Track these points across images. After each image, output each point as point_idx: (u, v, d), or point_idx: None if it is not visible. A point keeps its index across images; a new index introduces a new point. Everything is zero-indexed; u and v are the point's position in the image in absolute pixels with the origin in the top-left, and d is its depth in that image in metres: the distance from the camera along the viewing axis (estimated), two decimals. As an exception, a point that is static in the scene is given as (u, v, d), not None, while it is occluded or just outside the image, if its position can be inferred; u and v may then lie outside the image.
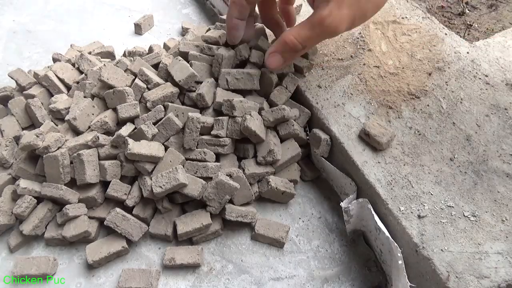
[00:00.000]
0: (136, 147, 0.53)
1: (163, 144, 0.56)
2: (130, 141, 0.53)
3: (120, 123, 0.57)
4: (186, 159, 0.55)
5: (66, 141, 0.56)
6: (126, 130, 0.54)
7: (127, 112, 0.56)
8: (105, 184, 0.55)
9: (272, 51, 0.54)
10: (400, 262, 0.45)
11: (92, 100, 0.61)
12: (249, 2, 0.54)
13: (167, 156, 0.54)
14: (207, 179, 0.54)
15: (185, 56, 0.63)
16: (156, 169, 0.54)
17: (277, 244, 0.55)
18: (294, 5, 0.71)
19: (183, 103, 0.60)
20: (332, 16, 0.49)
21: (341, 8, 0.48)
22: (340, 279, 0.52)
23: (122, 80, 0.60)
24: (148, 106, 0.59)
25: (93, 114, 0.59)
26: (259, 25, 0.70)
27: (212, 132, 0.56)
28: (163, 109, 0.58)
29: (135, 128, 0.55)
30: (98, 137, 0.54)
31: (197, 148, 0.56)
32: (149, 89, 0.61)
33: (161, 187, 0.51)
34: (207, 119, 0.56)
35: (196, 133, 0.54)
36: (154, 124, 0.56)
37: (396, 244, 0.46)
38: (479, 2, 1.14)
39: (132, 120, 0.57)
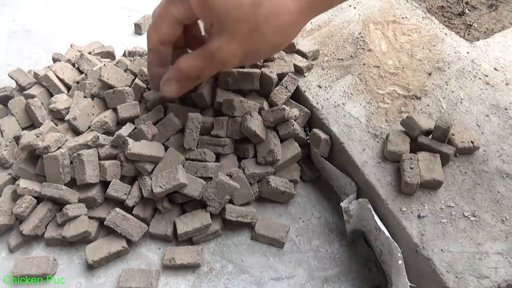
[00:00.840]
0: (136, 147, 0.53)
1: (163, 144, 0.56)
2: (130, 141, 0.53)
3: (120, 123, 0.57)
4: (186, 159, 0.55)
5: (66, 141, 0.56)
6: (126, 130, 0.54)
7: (127, 112, 0.56)
8: (105, 184, 0.55)
9: (168, 78, 0.49)
10: (400, 262, 0.45)
11: (92, 100, 0.61)
12: (163, 43, 0.49)
13: (167, 156, 0.54)
14: (207, 179, 0.54)
15: None
16: (156, 169, 0.54)
17: (277, 244, 0.55)
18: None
19: (183, 103, 0.60)
20: (223, 50, 0.45)
21: (231, 42, 0.45)
22: (340, 279, 0.52)
23: (122, 80, 0.60)
24: (148, 106, 0.59)
25: (93, 114, 0.59)
26: None
27: (212, 132, 0.56)
28: (163, 109, 0.58)
29: (135, 128, 0.55)
30: (98, 137, 0.54)
31: (197, 148, 0.56)
32: (149, 89, 0.61)
33: (161, 187, 0.51)
34: (207, 119, 0.56)
35: (196, 133, 0.54)
36: (154, 124, 0.56)
37: (396, 244, 0.46)
38: (479, 2, 1.14)
39: (132, 120, 0.57)
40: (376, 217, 0.49)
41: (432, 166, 0.49)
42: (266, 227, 0.54)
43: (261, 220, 0.55)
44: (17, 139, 0.61)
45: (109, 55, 0.76)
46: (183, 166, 0.54)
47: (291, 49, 0.64)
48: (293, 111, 0.58)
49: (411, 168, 0.48)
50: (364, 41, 0.66)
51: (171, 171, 0.51)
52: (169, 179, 0.51)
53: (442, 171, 0.49)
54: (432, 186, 0.49)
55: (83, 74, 0.67)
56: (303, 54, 0.63)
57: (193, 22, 0.50)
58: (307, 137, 0.60)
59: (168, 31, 0.48)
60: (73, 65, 0.69)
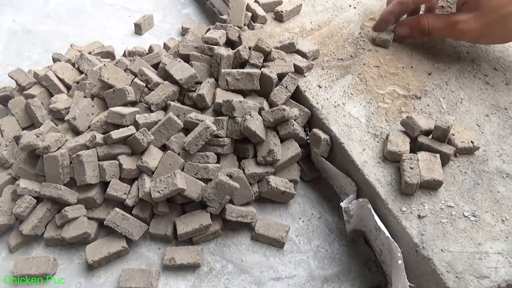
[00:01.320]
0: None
1: (164, 143, 0.56)
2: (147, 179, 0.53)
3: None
4: (187, 161, 0.55)
5: (66, 141, 0.56)
6: (119, 132, 0.54)
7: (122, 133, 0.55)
8: (103, 185, 0.55)
9: (405, 23, 0.64)
10: (400, 262, 0.45)
11: (92, 100, 0.61)
12: (415, 2, 0.62)
13: (167, 159, 0.54)
14: (208, 180, 0.54)
15: (184, 58, 0.63)
16: (155, 172, 0.54)
17: (277, 244, 0.55)
18: (294, 5, 0.71)
19: (183, 103, 0.60)
20: (466, 23, 0.57)
21: (476, 21, 0.57)
22: (340, 279, 0.52)
23: (122, 80, 0.60)
24: (153, 109, 0.59)
25: (92, 114, 0.59)
26: (257, 25, 0.70)
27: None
28: (163, 113, 0.58)
29: (131, 134, 0.55)
30: (95, 137, 0.54)
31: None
32: (148, 88, 0.61)
33: (159, 192, 0.51)
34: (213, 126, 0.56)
35: (204, 141, 0.54)
36: (155, 123, 0.56)
37: (396, 244, 0.46)
38: (479, 2, 1.14)
39: (126, 138, 0.55)
40: (376, 217, 0.49)
41: (432, 166, 0.49)
42: (266, 227, 0.54)
43: (261, 220, 0.55)
44: (17, 139, 0.61)
45: (109, 55, 0.76)
46: (183, 167, 0.54)
47: (292, 49, 0.64)
48: (293, 111, 0.58)
49: (411, 168, 0.48)
50: (364, 41, 0.66)
51: (170, 176, 0.51)
52: (167, 184, 0.51)
53: (442, 171, 0.49)
54: (432, 186, 0.49)
55: (83, 74, 0.67)
56: (303, 54, 0.63)
57: None
58: (307, 137, 0.59)
59: None
60: (73, 65, 0.69)
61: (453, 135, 0.52)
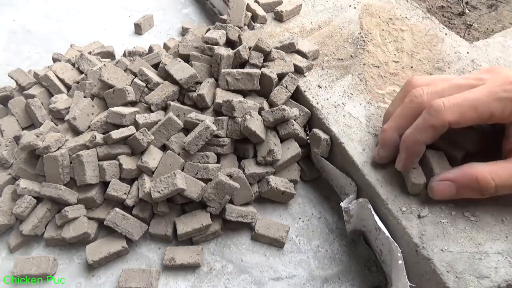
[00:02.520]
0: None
1: (164, 143, 0.56)
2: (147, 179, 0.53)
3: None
4: (187, 161, 0.55)
5: (66, 141, 0.56)
6: (119, 132, 0.54)
7: (122, 133, 0.55)
8: (103, 185, 0.55)
9: (448, 178, 0.44)
10: (400, 262, 0.45)
11: (92, 100, 0.61)
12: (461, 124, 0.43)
13: (167, 159, 0.54)
14: (208, 180, 0.54)
15: (184, 58, 0.63)
16: (155, 172, 0.54)
17: (277, 244, 0.55)
18: (294, 5, 0.71)
19: (182, 103, 0.60)
20: None
21: None
22: (340, 279, 0.52)
23: (122, 80, 0.60)
24: (153, 109, 0.59)
25: (92, 114, 0.59)
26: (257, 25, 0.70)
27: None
28: (163, 113, 0.58)
29: (131, 134, 0.55)
30: (95, 137, 0.54)
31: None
32: (148, 88, 0.61)
33: (159, 192, 0.51)
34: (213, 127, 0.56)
35: (204, 141, 0.54)
36: (155, 123, 0.56)
37: (396, 244, 0.46)
38: (479, 2, 1.14)
39: (126, 138, 0.55)
40: (376, 217, 0.49)
41: (443, 163, 0.48)
42: (266, 227, 0.55)
43: (261, 220, 0.55)
44: (17, 139, 0.61)
45: (109, 55, 0.76)
46: (183, 167, 0.54)
47: (292, 49, 0.64)
48: (293, 111, 0.58)
49: (413, 168, 0.48)
50: (364, 41, 0.66)
51: (170, 176, 0.51)
52: (167, 184, 0.51)
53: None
54: None
55: (83, 74, 0.67)
56: (303, 54, 0.63)
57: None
58: (307, 137, 0.60)
59: (472, 120, 0.42)
60: (73, 65, 0.70)
61: None
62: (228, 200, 0.54)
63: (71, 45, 0.78)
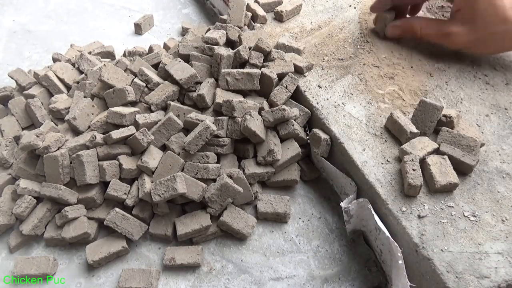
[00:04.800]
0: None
1: (164, 143, 0.56)
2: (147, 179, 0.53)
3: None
4: (187, 161, 0.55)
5: (66, 141, 0.56)
6: (119, 132, 0.54)
7: (122, 133, 0.55)
8: (103, 185, 0.55)
9: (397, 25, 0.64)
10: (400, 262, 0.45)
11: (92, 100, 0.61)
12: None
13: (167, 159, 0.54)
14: (207, 180, 0.54)
15: (184, 58, 0.63)
16: (155, 173, 0.54)
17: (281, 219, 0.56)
18: (294, 5, 0.71)
19: (182, 103, 0.60)
20: (459, 36, 0.59)
21: (469, 34, 0.58)
22: (340, 279, 0.52)
23: (122, 80, 0.60)
24: (153, 109, 0.59)
25: (92, 114, 0.59)
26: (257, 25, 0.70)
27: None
28: (163, 113, 0.58)
29: (131, 135, 0.55)
30: (95, 137, 0.54)
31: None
32: (148, 88, 0.61)
33: (159, 195, 0.51)
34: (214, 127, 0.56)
35: (204, 141, 0.54)
36: (155, 123, 0.56)
37: (396, 244, 0.46)
38: (479, 2, 1.14)
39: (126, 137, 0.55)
40: (376, 217, 0.49)
41: (445, 169, 0.48)
42: (269, 204, 0.56)
43: (264, 197, 0.56)
44: (17, 139, 0.61)
45: (109, 55, 0.76)
46: (184, 167, 0.54)
47: (291, 49, 0.64)
48: (293, 111, 0.58)
49: (413, 170, 0.48)
50: (364, 41, 0.66)
51: (170, 179, 0.51)
52: (167, 188, 0.51)
53: (455, 172, 0.48)
54: (448, 189, 0.48)
55: (83, 74, 0.67)
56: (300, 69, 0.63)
57: None
58: (307, 137, 0.59)
59: None
60: (73, 65, 0.69)
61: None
62: (230, 202, 0.54)
63: (71, 45, 0.78)
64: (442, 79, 0.61)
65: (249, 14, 0.70)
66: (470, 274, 0.42)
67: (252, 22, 0.70)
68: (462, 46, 0.61)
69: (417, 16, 0.65)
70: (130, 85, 0.60)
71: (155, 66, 0.65)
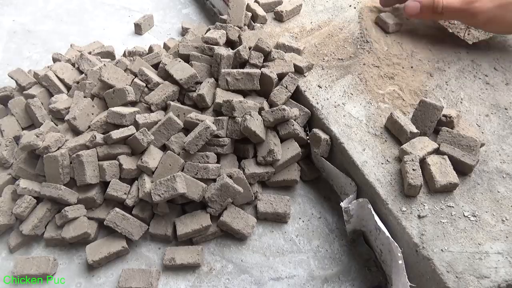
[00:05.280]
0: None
1: (164, 143, 0.56)
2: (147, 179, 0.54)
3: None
4: (188, 161, 0.55)
5: (66, 141, 0.56)
6: (119, 132, 0.54)
7: (122, 133, 0.55)
8: (103, 185, 0.55)
9: (417, 1, 0.61)
10: (400, 262, 0.45)
11: (92, 100, 0.61)
12: None
13: (167, 159, 0.54)
14: (208, 180, 0.54)
15: (184, 58, 0.63)
16: (155, 173, 0.54)
17: (282, 219, 0.56)
18: (294, 5, 0.71)
19: (182, 103, 0.60)
20: (481, 3, 0.58)
21: (492, 2, 0.58)
22: (340, 279, 0.52)
23: (122, 80, 0.60)
24: (153, 109, 0.59)
25: (92, 114, 0.59)
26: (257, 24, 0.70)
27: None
28: (163, 113, 0.58)
29: (131, 134, 0.55)
30: (95, 137, 0.54)
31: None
32: (148, 88, 0.61)
33: (160, 195, 0.51)
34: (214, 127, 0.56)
35: (204, 141, 0.54)
36: (155, 123, 0.56)
37: (396, 244, 0.46)
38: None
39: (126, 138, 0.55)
40: (376, 217, 0.49)
41: (445, 169, 0.48)
42: (269, 203, 0.56)
43: (264, 197, 0.56)
44: (17, 139, 0.61)
45: (109, 55, 0.76)
46: (183, 167, 0.54)
47: (291, 49, 0.64)
48: (293, 111, 0.58)
49: (413, 170, 0.48)
50: (364, 41, 0.66)
51: (170, 179, 0.51)
52: (167, 188, 0.51)
53: (455, 172, 0.49)
54: (448, 189, 0.48)
55: (83, 74, 0.67)
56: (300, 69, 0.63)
57: None
58: (307, 137, 0.59)
59: None
60: (73, 65, 0.69)
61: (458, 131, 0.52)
62: (230, 202, 0.54)
63: (71, 45, 0.78)
64: (442, 79, 0.61)
65: (249, 14, 0.70)
66: (470, 274, 0.42)
67: (252, 22, 0.70)
68: (484, 18, 0.59)
69: None
70: (130, 85, 0.60)
71: (155, 66, 0.65)
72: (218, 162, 0.56)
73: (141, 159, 0.54)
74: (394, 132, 0.54)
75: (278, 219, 0.56)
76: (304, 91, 0.60)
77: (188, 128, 0.57)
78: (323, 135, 0.56)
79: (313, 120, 0.60)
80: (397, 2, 0.64)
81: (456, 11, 0.60)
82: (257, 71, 0.58)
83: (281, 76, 0.60)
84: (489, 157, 0.52)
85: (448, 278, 0.42)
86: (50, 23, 0.87)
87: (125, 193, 0.54)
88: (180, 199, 0.54)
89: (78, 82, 0.66)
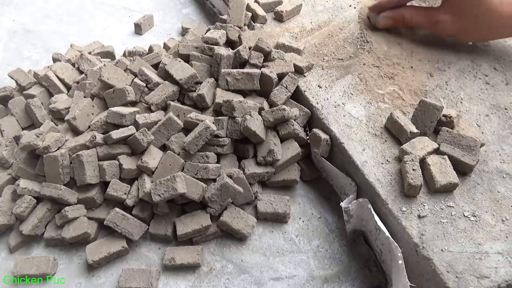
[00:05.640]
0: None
1: (164, 143, 0.56)
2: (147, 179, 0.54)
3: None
4: (188, 161, 0.55)
5: (66, 141, 0.56)
6: (120, 132, 0.54)
7: (122, 133, 0.55)
8: (103, 185, 0.55)
9: (388, 15, 0.66)
10: (400, 262, 0.45)
11: (92, 100, 0.61)
12: None
13: (167, 159, 0.54)
14: (208, 180, 0.54)
15: (184, 58, 0.63)
16: (155, 173, 0.54)
17: (282, 219, 0.56)
18: (294, 5, 0.71)
19: (182, 103, 0.60)
20: (447, 24, 0.61)
21: (457, 23, 0.61)
22: (340, 279, 0.52)
23: (122, 80, 0.60)
24: (153, 109, 0.59)
25: (92, 114, 0.59)
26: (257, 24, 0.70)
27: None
28: (163, 113, 0.58)
29: (131, 134, 0.55)
30: (95, 137, 0.54)
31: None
32: (148, 88, 0.61)
33: (159, 195, 0.51)
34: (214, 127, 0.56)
35: (204, 141, 0.54)
36: (155, 123, 0.56)
37: (396, 244, 0.46)
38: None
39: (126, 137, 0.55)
40: (376, 217, 0.49)
41: (445, 169, 0.48)
42: (269, 203, 0.56)
43: (264, 198, 0.56)
44: (17, 139, 0.61)
45: (109, 55, 0.76)
46: (183, 167, 0.54)
47: (291, 49, 0.64)
48: (293, 111, 0.58)
49: (413, 170, 0.48)
50: (364, 41, 0.66)
51: (170, 179, 0.51)
52: (167, 188, 0.51)
53: (455, 172, 0.49)
54: (448, 189, 0.48)
55: (83, 74, 0.67)
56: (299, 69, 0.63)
57: None
58: (307, 137, 0.59)
59: None
60: (73, 65, 0.69)
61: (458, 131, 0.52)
62: (230, 202, 0.54)
63: (71, 45, 0.78)
64: (442, 79, 0.61)
65: (249, 14, 0.70)
66: (470, 274, 0.42)
67: (252, 22, 0.70)
68: (450, 34, 0.63)
69: (407, 6, 0.66)
70: (130, 85, 0.60)
71: (155, 66, 0.65)
72: (218, 162, 0.56)
73: (141, 159, 0.54)
74: (394, 132, 0.54)
75: (278, 219, 0.56)
76: (304, 91, 0.60)
77: (188, 128, 0.57)
78: (323, 135, 0.56)
79: (313, 120, 0.60)
80: (388, 8, 0.67)
81: (423, 27, 0.66)
82: (257, 71, 0.58)
83: (281, 76, 0.60)
84: (489, 157, 0.52)
85: (448, 278, 0.42)
86: (50, 23, 0.87)
87: (125, 193, 0.54)
88: (180, 199, 0.54)
89: (78, 82, 0.66)
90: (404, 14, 0.64)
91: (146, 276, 0.50)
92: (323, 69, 0.63)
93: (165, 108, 0.60)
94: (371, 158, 0.52)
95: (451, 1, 0.61)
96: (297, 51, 0.64)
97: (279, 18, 0.71)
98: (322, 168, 0.60)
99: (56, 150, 0.54)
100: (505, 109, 0.58)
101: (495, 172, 0.51)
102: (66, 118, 0.57)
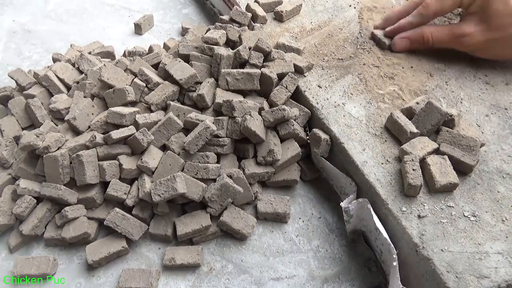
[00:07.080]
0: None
1: (164, 143, 0.56)
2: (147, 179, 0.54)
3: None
4: (187, 161, 0.55)
5: (66, 141, 0.56)
6: (120, 132, 0.54)
7: (122, 133, 0.55)
8: (103, 185, 0.55)
9: (405, 36, 0.62)
10: (394, 263, 0.45)
11: (92, 100, 0.61)
12: (436, 14, 0.61)
13: (167, 159, 0.54)
14: (208, 180, 0.54)
15: (184, 58, 0.63)
16: (155, 173, 0.54)
17: (282, 219, 0.56)
18: (294, 5, 0.71)
19: (182, 103, 0.60)
20: (472, 37, 0.58)
21: (483, 36, 0.57)
22: (340, 279, 0.52)
23: (122, 80, 0.60)
24: (153, 109, 0.59)
25: (92, 114, 0.59)
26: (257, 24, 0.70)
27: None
28: (163, 113, 0.58)
29: (131, 135, 0.55)
30: (95, 137, 0.54)
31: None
32: (148, 88, 0.61)
33: (159, 195, 0.51)
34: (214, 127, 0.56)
35: (204, 141, 0.54)
36: (155, 123, 0.56)
37: (392, 245, 0.46)
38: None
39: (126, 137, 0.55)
40: (375, 218, 0.49)
41: (445, 169, 0.48)
42: (269, 203, 0.56)
43: (264, 197, 0.56)
44: (17, 139, 0.61)
45: (109, 55, 0.76)
46: (183, 167, 0.54)
47: (291, 49, 0.64)
48: (293, 111, 0.58)
49: (413, 170, 0.48)
50: (364, 41, 0.66)
51: (170, 179, 0.51)
52: (167, 188, 0.51)
53: (455, 172, 0.48)
54: (448, 189, 0.48)
55: (83, 74, 0.67)
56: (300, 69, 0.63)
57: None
58: (307, 137, 0.59)
59: (449, 8, 0.60)
60: (73, 65, 0.69)
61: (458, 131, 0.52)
62: (230, 202, 0.54)
63: (71, 45, 0.78)
64: (442, 79, 0.61)
65: (249, 14, 0.70)
66: (470, 274, 0.42)
67: (252, 22, 0.70)
68: (476, 48, 0.60)
69: (424, 26, 0.62)
70: (130, 85, 0.60)
71: (155, 66, 0.65)
72: (218, 162, 0.56)
73: (141, 159, 0.54)
74: (394, 132, 0.54)
75: (278, 219, 0.56)
76: (304, 91, 0.60)
77: (188, 128, 0.57)
78: (323, 135, 0.56)
79: (313, 120, 0.60)
80: (395, 23, 0.63)
81: (445, 44, 0.61)
82: (257, 71, 0.58)
83: (281, 76, 0.60)
84: (489, 157, 0.52)
85: (448, 278, 0.42)
86: (50, 23, 0.87)
87: (125, 193, 0.54)
88: (180, 199, 0.54)
89: (78, 82, 0.66)
90: (424, 32, 0.61)
91: (146, 276, 0.50)
92: (323, 69, 0.63)
93: (165, 108, 0.60)
94: (371, 158, 0.52)
95: (477, 13, 0.57)
96: (297, 51, 0.64)
97: (279, 18, 0.71)
98: (322, 168, 0.60)
99: (56, 150, 0.54)
100: (505, 109, 0.58)
101: (495, 172, 0.51)
102: (66, 118, 0.57)
